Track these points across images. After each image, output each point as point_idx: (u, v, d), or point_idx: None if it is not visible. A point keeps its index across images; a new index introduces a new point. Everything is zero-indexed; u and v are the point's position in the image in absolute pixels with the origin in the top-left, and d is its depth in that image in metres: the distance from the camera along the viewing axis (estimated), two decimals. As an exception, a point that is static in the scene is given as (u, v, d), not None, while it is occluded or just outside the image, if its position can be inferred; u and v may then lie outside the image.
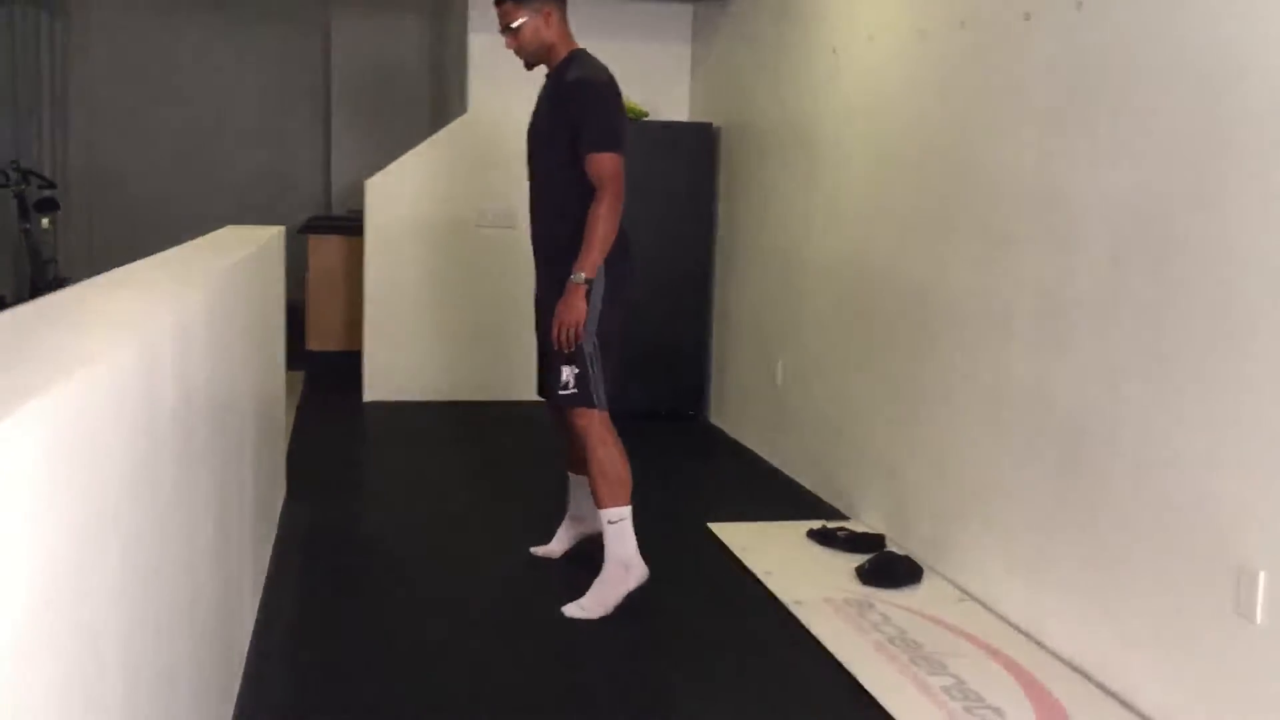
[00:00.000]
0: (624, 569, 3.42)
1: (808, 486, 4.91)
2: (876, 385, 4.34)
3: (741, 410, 5.83)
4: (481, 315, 6.54)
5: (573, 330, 3.37)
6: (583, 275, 3.38)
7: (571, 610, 3.39)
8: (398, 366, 6.48)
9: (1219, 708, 2.58)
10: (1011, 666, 3.11)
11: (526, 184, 3.66)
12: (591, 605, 3.40)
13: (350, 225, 7.46)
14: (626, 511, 3.43)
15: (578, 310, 3.37)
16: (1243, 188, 2.56)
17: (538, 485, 5.07)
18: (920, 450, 4.00)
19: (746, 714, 2.86)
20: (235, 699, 2.72)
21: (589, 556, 3.65)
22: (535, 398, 6.71)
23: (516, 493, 4.81)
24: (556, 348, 3.40)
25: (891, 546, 4.04)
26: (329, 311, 7.36)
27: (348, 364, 6.91)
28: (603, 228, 3.38)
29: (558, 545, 3.89)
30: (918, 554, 3.93)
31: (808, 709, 2.91)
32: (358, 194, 6.73)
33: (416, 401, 6.43)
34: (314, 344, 7.34)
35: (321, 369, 7.14)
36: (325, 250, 7.40)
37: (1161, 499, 2.78)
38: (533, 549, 3.89)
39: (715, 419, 6.16)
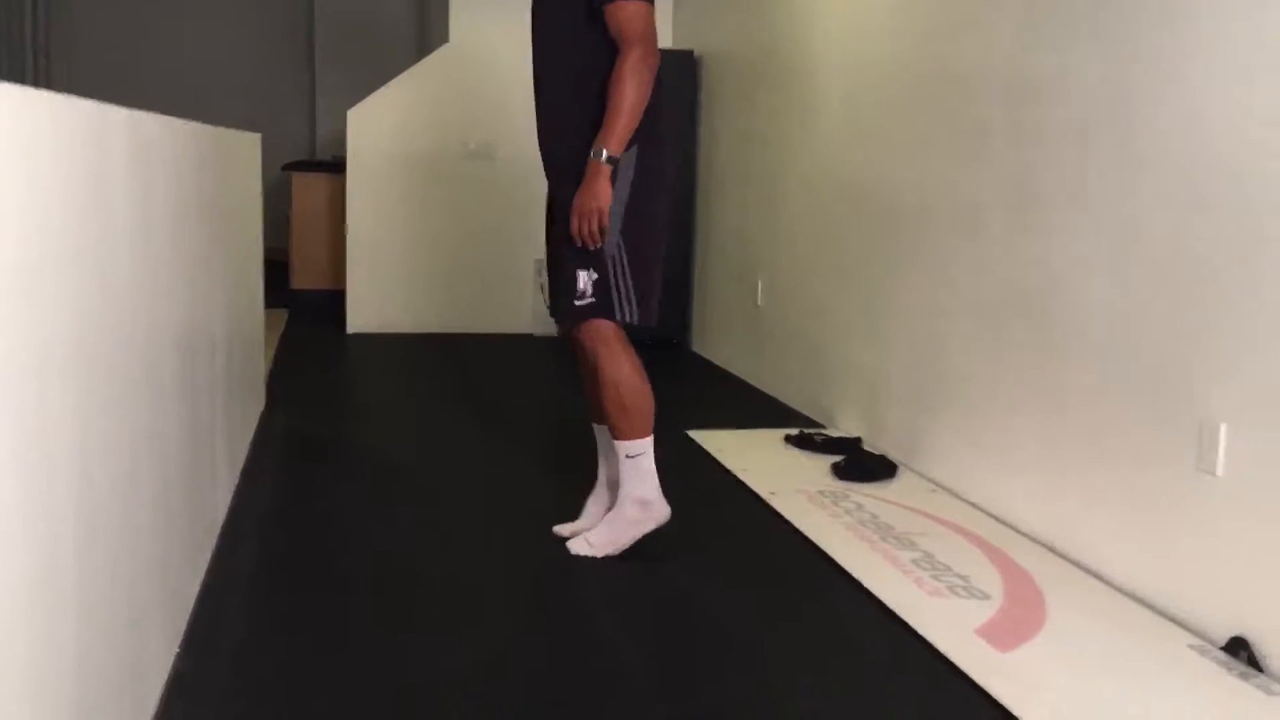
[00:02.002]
0: (641, 507, 2.88)
1: (787, 402, 4.93)
2: (853, 297, 4.36)
3: (723, 335, 5.85)
4: (465, 247, 6.55)
5: (595, 221, 2.73)
6: (605, 152, 2.72)
7: (578, 547, 2.92)
8: (381, 298, 6.49)
9: (1182, 566, 2.60)
10: (980, 542, 3.13)
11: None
12: (600, 543, 2.91)
13: (334, 166, 7.45)
14: (648, 444, 2.86)
15: (600, 195, 2.72)
16: (1205, 63, 2.57)
17: (521, 408, 5.09)
18: (896, 356, 4.02)
19: (724, 586, 2.89)
20: (205, 570, 2.73)
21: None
22: (520, 329, 6.84)
23: (499, 414, 4.82)
24: (579, 245, 2.77)
25: (867, 448, 4.07)
26: (313, 250, 7.34)
27: (332, 302, 6.92)
28: (631, 92, 2.70)
29: (588, 522, 3.08)
30: (893, 454, 3.96)
31: (780, 583, 2.94)
32: (342, 141, 6.73)
33: (400, 333, 6.44)
34: (298, 283, 7.33)
35: (306, 307, 7.14)
36: (309, 189, 7.38)
37: (1125, 365, 2.80)
38: (557, 528, 3.09)
39: (698, 348, 6.17)
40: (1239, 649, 2.38)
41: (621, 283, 2.80)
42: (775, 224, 5.14)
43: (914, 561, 2.97)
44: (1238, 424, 2.45)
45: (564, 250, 2.85)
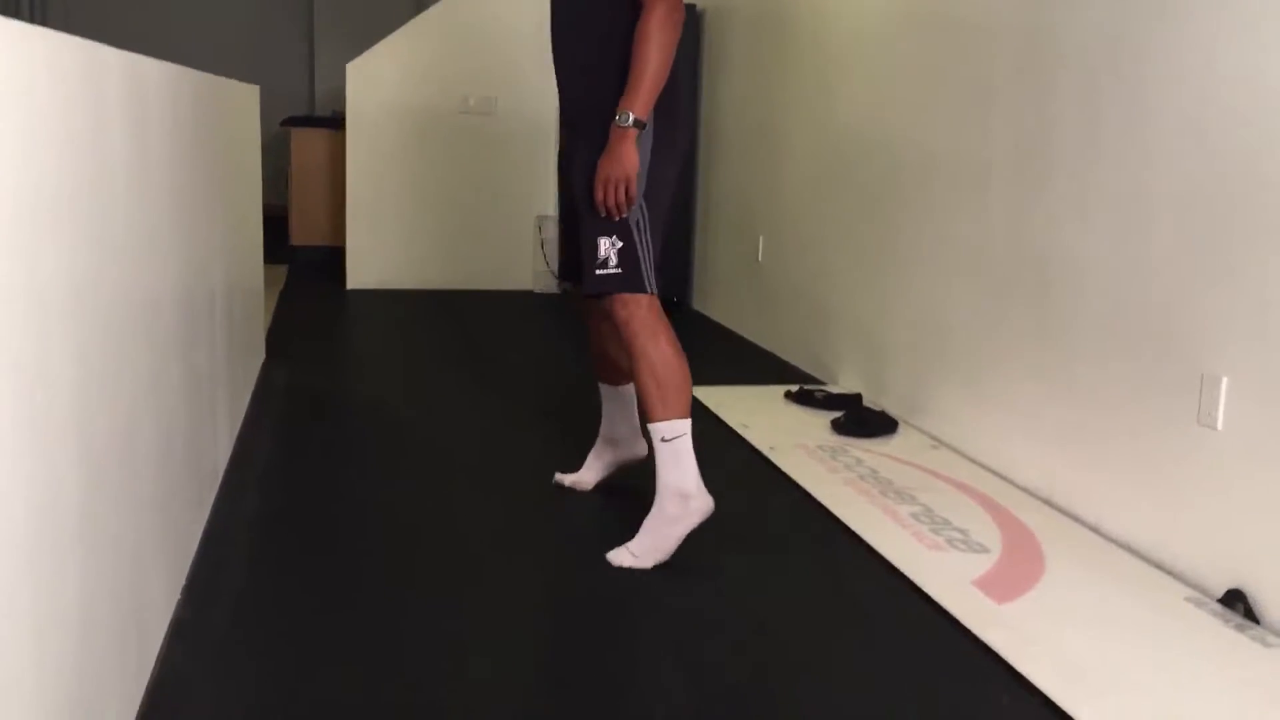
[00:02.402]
0: (681, 501, 2.59)
1: (788, 359, 4.93)
2: (855, 254, 4.34)
3: (724, 293, 5.84)
4: (464, 203, 6.52)
5: (623, 189, 2.54)
6: (632, 116, 2.52)
7: (620, 558, 2.60)
8: (381, 254, 6.47)
9: (1180, 520, 2.61)
10: (979, 497, 3.14)
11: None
12: (645, 550, 2.60)
13: (334, 121, 7.41)
14: (685, 426, 2.59)
15: (628, 161, 2.53)
16: (1214, 16, 2.55)
17: (521, 363, 5.09)
18: (898, 313, 4.01)
19: (722, 539, 2.89)
20: (206, 519, 2.74)
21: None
22: (520, 286, 6.83)
23: (499, 369, 4.82)
24: (603, 214, 2.58)
25: (868, 405, 4.07)
26: (313, 206, 7.31)
27: (332, 258, 6.90)
28: (657, 51, 2.51)
29: (589, 474, 3.07)
30: (893, 411, 3.96)
31: (779, 536, 2.94)
32: (341, 97, 6.69)
33: (399, 289, 6.43)
34: (298, 239, 7.31)
35: (305, 263, 7.12)
36: (308, 144, 7.34)
37: (1128, 319, 2.80)
38: (559, 476, 3.09)
39: (699, 305, 6.16)
40: (1236, 601, 2.39)
41: (646, 250, 2.61)
42: (777, 181, 5.12)
43: (913, 515, 2.98)
44: (1239, 377, 2.45)
45: (583, 214, 2.64)
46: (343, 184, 6.54)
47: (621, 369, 2.93)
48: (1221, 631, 2.31)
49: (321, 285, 6.51)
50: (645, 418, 2.63)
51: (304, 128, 7.48)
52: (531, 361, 5.02)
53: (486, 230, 6.58)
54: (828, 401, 4.09)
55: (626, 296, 2.60)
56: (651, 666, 2.23)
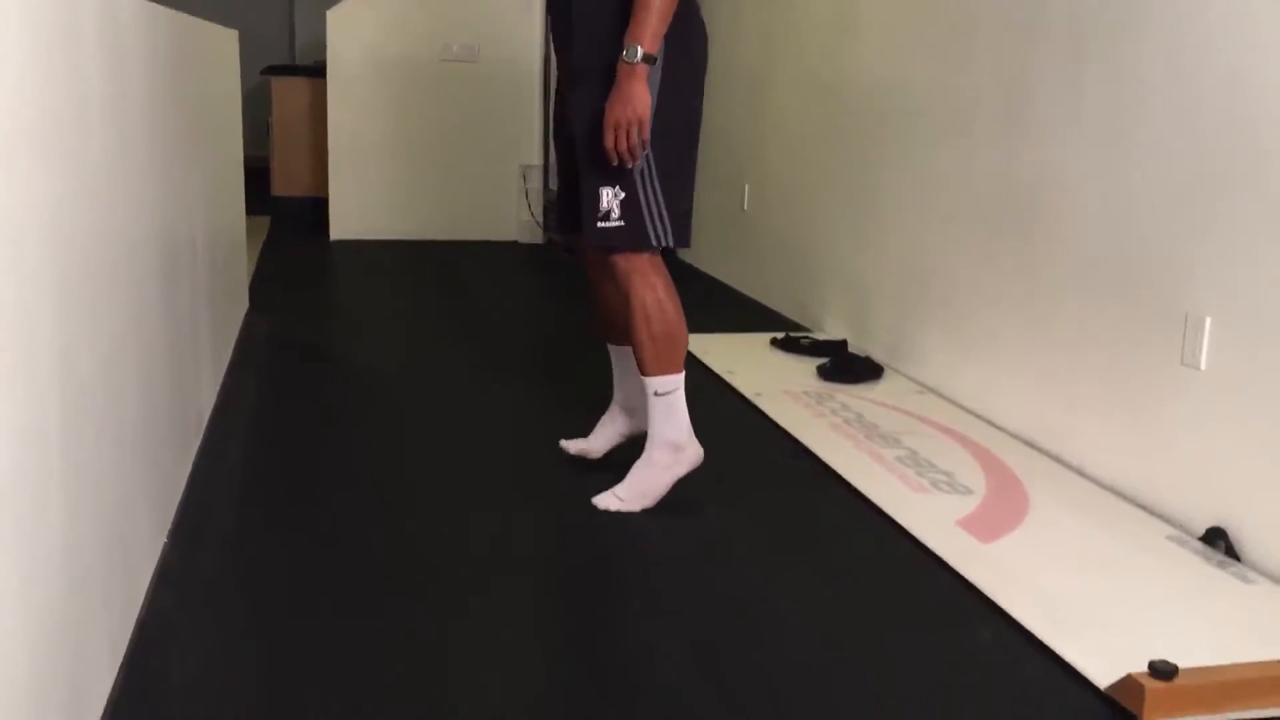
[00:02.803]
0: (672, 451, 2.57)
1: (773, 307, 4.93)
2: (841, 201, 4.33)
3: (710, 242, 5.81)
4: (448, 152, 6.47)
5: (635, 133, 2.36)
6: (640, 50, 2.33)
7: (605, 502, 2.58)
8: (364, 205, 6.43)
9: (1163, 460, 2.63)
10: (964, 441, 3.15)
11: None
12: (631, 495, 2.58)
13: (315, 70, 7.32)
14: (679, 381, 2.56)
15: (639, 102, 2.35)
16: (1203, -66, 2.53)
17: (505, 314, 5.08)
18: (883, 260, 4.01)
19: (709, 484, 2.90)
20: (191, 463, 2.74)
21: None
22: (505, 236, 6.79)
23: (484, 320, 4.81)
24: (614, 162, 2.41)
25: (853, 351, 4.07)
26: (295, 157, 7.23)
27: (315, 209, 6.85)
28: None
29: (598, 441, 2.87)
30: (879, 357, 3.97)
31: (764, 480, 2.95)
32: (322, 46, 6.61)
33: (383, 240, 6.39)
34: (280, 190, 7.24)
35: (288, 214, 7.07)
36: (289, 94, 7.25)
37: (1112, 261, 2.80)
38: (565, 444, 2.88)
39: (684, 255, 6.14)
40: (1217, 539, 2.41)
41: (653, 200, 2.46)
42: (762, 128, 5.09)
43: (898, 459, 2.99)
44: (1222, 317, 2.45)
45: (582, 162, 2.49)
46: (324, 134, 6.48)
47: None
48: (1202, 569, 2.33)
49: (305, 236, 6.47)
50: (639, 370, 2.56)
51: (285, 77, 7.39)
52: (517, 311, 5.01)
53: (470, 180, 6.53)
54: (813, 348, 4.09)
55: (628, 251, 2.49)
56: (632, 611, 2.24)
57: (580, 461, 2.83)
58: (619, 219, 2.46)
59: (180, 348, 2.58)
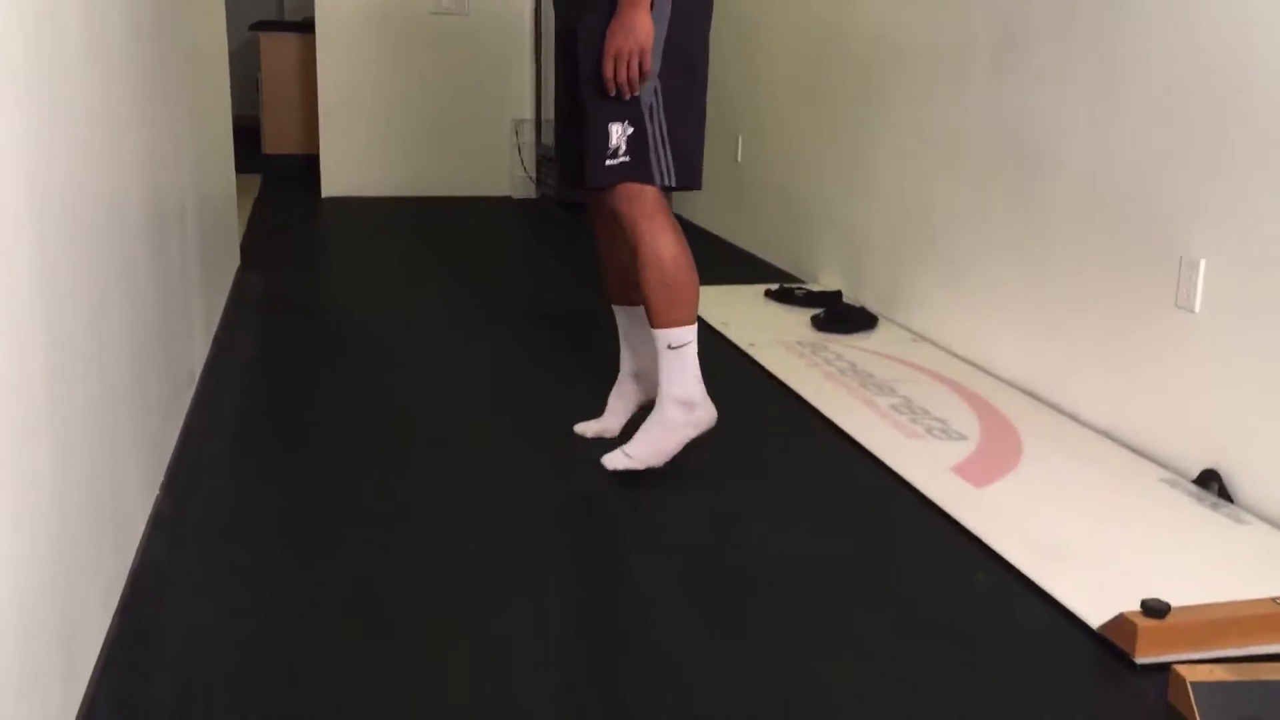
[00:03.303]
0: (684, 408, 2.44)
1: (767, 259, 4.91)
2: (834, 151, 4.30)
3: (703, 194, 5.78)
4: (440, 108, 6.42)
5: (635, 63, 2.27)
6: None
7: (615, 461, 2.46)
8: (355, 162, 6.39)
9: (1157, 403, 2.63)
10: (958, 388, 3.15)
11: None
12: (642, 453, 2.46)
13: (304, 26, 7.25)
14: (692, 333, 2.42)
15: (640, 31, 2.26)
16: None
17: (500, 269, 5.06)
18: (877, 209, 3.99)
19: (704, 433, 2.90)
20: (184, 415, 2.73)
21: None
22: (498, 192, 6.76)
23: (479, 276, 4.79)
24: (613, 93, 2.31)
25: (847, 301, 4.06)
26: (285, 114, 7.18)
27: (306, 167, 6.81)
28: None
29: (613, 419, 2.73)
30: (873, 307, 3.96)
31: (759, 428, 2.95)
32: (309, 3, 6.54)
33: (375, 197, 6.36)
34: (271, 148, 7.20)
35: (279, 172, 7.03)
36: (277, 50, 7.19)
37: (1106, 206, 2.78)
38: (580, 428, 2.74)
39: (677, 207, 6.10)
40: (1210, 481, 2.41)
41: (659, 136, 2.35)
42: (755, 78, 5.05)
43: (892, 406, 2.99)
44: (1216, 260, 2.44)
45: (587, 100, 2.35)
46: (314, 91, 6.43)
47: (635, 282, 2.58)
48: (1195, 510, 2.34)
49: (296, 194, 6.44)
50: (649, 322, 2.42)
51: (273, 33, 7.32)
52: (511, 266, 4.99)
53: (462, 135, 6.49)
54: (807, 299, 4.08)
55: (632, 188, 2.35)
56: (624, 551, 2.25)
57: (574, 409, 2.82)
58: (625, 154, 2.34)
59: (170, 301, 2.56)
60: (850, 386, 3.16)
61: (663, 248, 2.38)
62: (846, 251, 4.23)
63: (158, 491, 2.29)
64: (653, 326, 2.43)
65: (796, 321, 3.86)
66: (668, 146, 2.36)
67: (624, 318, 2.66)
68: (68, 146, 1.64)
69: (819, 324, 3.79)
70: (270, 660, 1.75)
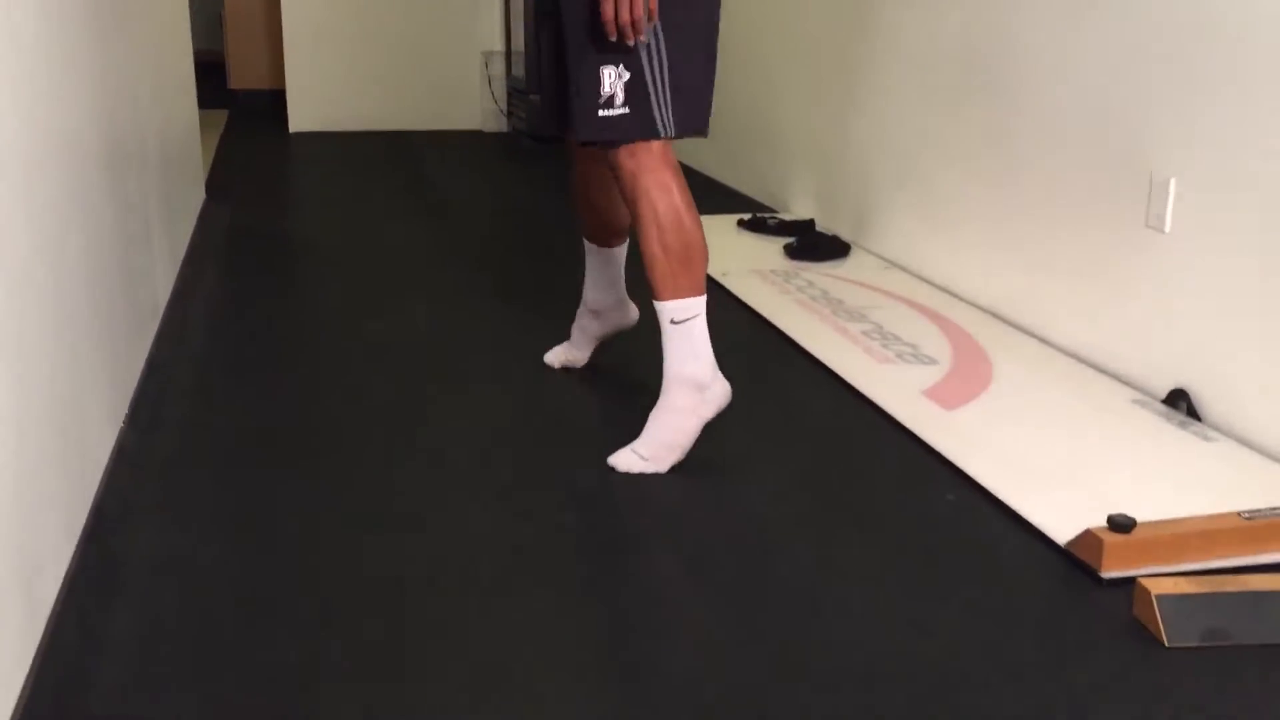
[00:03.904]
0: (696, 391, 2.17)
1: (740, 189, 4.88)
2: (805, 79, 4.25)
3: (676, 128, 5.73)
4: (409, 39, 6.32)
5: (641, 4, 1.99)
6: None
7: (625, 462, 2.18)
8: (323, 96, 6.29)
9: (1127, 324, 2.63)
10: (929, 313, 3.15)
11: None
12: (655, 452, 2.18)
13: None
14: (699, 305, 2.16)
15: None
16: None
17: (470, 203, 5.01)
18: (849, 137, 3.95)
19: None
20: (149, 348, 2.70)
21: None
22: (469, 125, 6.67)
23: (448, 209, 4.74)
24: (612, 37, 2.02)
25: (820, 230, 4.04)
26: (250, 48, 7.05)
27: (274, 102, 6.71)
28: None
29: (579, 350, 2.66)
30: (845, 235, 3.94)
31: (732, 356, 2.93)
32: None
33: (344, 131, 6.27)
34: (236, 83, 7.08)
35: (246, 107, 6.93)
36: (241, -18, 7.04)
37: (1077, 127, 2.76)
38: (548, 357, 2.69)
39: (650, 141, 6.06)
40: (1179, 400, 2.42)
41: (660, 80, 2.07)
42: (726, 5, 4.96)
43: (864, 333, 2.99)
44: (1187, 179, 2.43)
45: (576, 39, 2.09)
46: (280, 24, 6.31)
47: (615, 226, 2.48)
48: (1164, 429, 2.35)
49: (263, 129, 6.34)
50: (652, 294, 2.15)
51: (236, -36, 7.16)
52: (481, 198, 4.94)
53: (432, 68, 6.39)
54: (780, 228, 4.06)
55: (636, 144, 2.08)
56: (593, 476, 2.24)
57: (544, 336, 2.80)
58: (623, 105, 2.05)
59: (130, 232, 2.52)
60: (822, 314, 3.15)
61: (666, 209, 2.09)
62: (819, 180, 4.20)
63: (122, 424, 2.26)
64: (655, 299, 2.14)
65: (769, 250, 3.83)
66: (668, 90, 2.08)
67: (595, 258, 2.52)
68: (13, 73, 1.59)
69: (791, 252, 3.77)
70: (236, 590, 1.74)
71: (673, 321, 2.14)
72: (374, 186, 5.09)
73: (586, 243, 2.54)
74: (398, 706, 1.46)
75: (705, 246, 2.16)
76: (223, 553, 1.85)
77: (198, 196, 4.21)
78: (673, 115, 2.09)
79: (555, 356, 2.69)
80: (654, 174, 2.09)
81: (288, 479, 2.13)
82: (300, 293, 3.38)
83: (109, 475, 2.06)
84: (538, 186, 5.04)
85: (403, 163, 5.63)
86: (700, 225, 2.15)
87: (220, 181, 4.72)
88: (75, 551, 1.77)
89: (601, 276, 2.55)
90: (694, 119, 2.13)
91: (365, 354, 2.86)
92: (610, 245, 2.49)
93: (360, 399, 2.55)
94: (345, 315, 3.18)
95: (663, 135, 2.09)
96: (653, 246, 2.10)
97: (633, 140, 2.08)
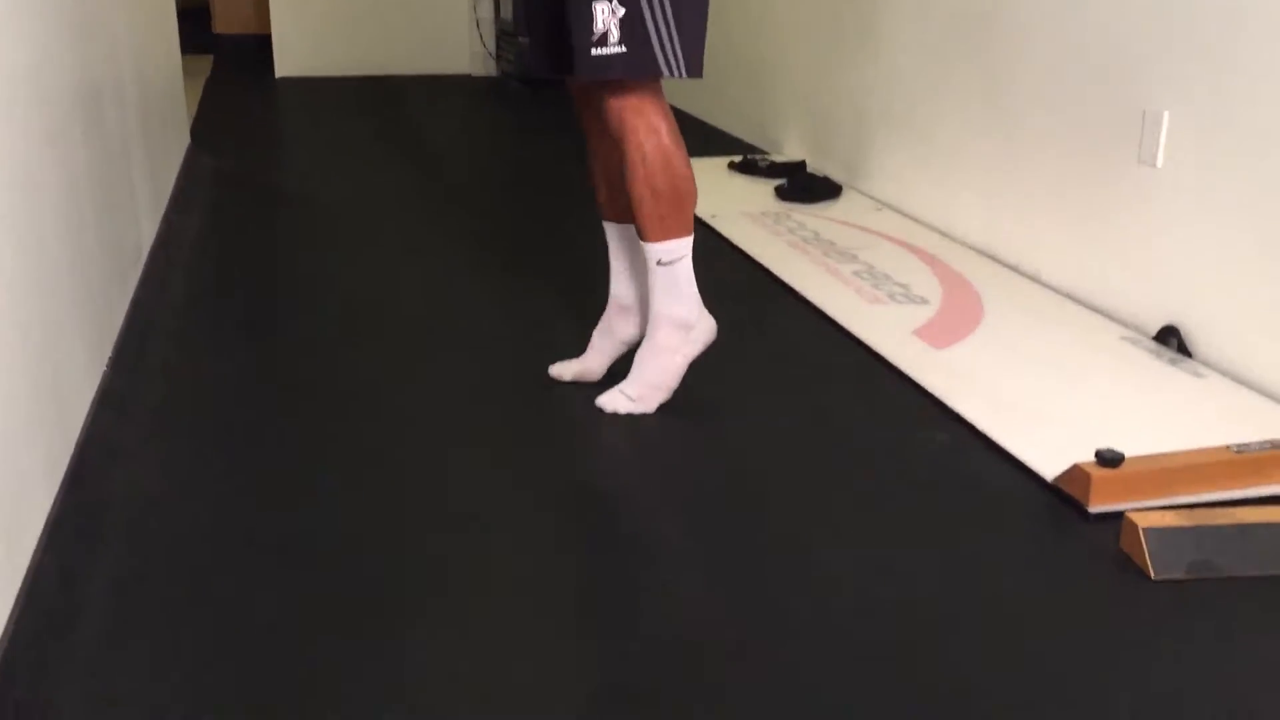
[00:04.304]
0: (681, 330, 2.15)
1: (731, 131, 4.83)
2: (798, 19, 4.20)
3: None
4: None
5: None
6: None
7: (613, 402, 2.17)
8: (309, 40, 6.21)
9: (1118, 261, 2.60)
10: (921, 254, 3.12)
11: None
12: (641, 392, 2.16)
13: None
14: (686, 246, 2.11)
15: None
16: None
17: (459, 149, 4.96)
18: (841, 78, 3.90)
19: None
20: (132, 292, 2.67)
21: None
22: (457, 70, 6.59)
23: (436, 156, 4.69)
24: None
25: (811, 171, 4.00)
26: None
27: (259, 47, 6.62)
28: None
29: (596, 358, 2.32)
30: (837, 176, 3.90)
31: (722, 297, 2.91)
32: None
33: (330, 76, 6.20)
34: (221, 27, 6.99)
35: (231, 52, 6.84)
36: (225, -75, 6.94)
37: (1071, 62, 2.72)
38: (556, 369, 2.33)
39: (641, 84, 6.00)
40: (1170, 337, 2.41)
41: (660, 16, 1.97)
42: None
43: (855, 273, 2.96)
44: (1180, 113, 2.40)
45: None
46: (264, -34, 6.22)
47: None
48: (1154, 365, 2.33)
49: (249, 74, 6.27)
50: (639, 234, 2.10)
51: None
52: (469, 143, 4.89)
53: (419, 11, 6.31)
54: (771, 170, 4.02)
55: (626, 83, 2.00)
56: (584, 420, 2.23)
57: (535, 287, 2.78)
58: (618, 42, 1.96)
59: (110, 176, 2.48)
60: (813, 255, 3.12)
61: (654, 150, 2.03)
62: (811, 121, 4.16)
63: (105, 368, 2.24)
64: (641, 240, 2.09)
65: (760, 192, 3.80)
66: (674, 29, 1.98)
67: (616, 236, 2.25)
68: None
69: (782, 194, 3.74)
70: (219, 534, 1.73)
71: (660, 263, 2.11)
72: (361, 132, 5.03)
73: (606, 225, 2.26)
74: (382, 651, 1.45)
75: (694, 188, 2.11)
76: (206, 497, 1.84)
77: (182, 142, 4.16)
78: (682, 55, 2.00)
79: (566, 368, 2.33)
80: (643, 115, 2.03)
81: (273, 424, 2.12)
82: (284, 240, 3.35)
83: (91, 419, 2.04)
84: (526, 130, 4.99)
85: (390, 108, 5.57)
86: (689, 166, 2.10)
87: (205, 127, 4.67)
88: (57, 495, 1.75)
89: (627, 259, 2.26)
90: (695, 62, 2.04)
91: (352, 301, 2.83)
92: (629, 220, 2.19)
93: (347, 345, 2.53)
94: (332, 261, 3.15)
95: (667, 75, 2.01)
96: (640, 187, 2.05)
97: (630, 78, 2.00)
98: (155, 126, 3.34)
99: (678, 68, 2.01)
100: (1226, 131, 2.28)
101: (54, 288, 1.86)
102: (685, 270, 2.14)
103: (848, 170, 3.87)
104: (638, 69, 1.98)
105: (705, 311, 2.19)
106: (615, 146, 2.09)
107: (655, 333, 2.16)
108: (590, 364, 2.32)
